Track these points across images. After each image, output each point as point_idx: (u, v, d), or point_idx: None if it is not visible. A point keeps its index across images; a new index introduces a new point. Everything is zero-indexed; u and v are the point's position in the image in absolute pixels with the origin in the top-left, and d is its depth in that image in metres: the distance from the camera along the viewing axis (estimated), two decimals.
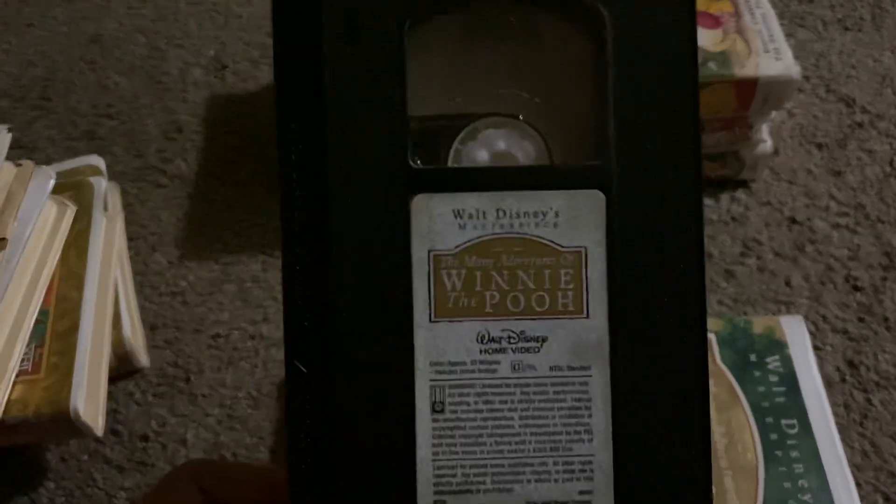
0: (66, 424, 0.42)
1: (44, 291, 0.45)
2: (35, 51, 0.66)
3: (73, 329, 0.44)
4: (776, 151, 0.57)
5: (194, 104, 0.62)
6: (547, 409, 0.23)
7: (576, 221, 0.23)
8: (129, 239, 0.54)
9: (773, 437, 0.41)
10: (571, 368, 0.23)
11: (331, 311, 0.23)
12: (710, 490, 0.23)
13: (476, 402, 0.23)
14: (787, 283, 0.51)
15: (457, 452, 0.23)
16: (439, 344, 0.23)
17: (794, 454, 0.41)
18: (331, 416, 0.23)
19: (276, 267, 0.53)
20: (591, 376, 0.23)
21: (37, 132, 0.61)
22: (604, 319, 0.23)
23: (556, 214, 0.23)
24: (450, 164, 0.25)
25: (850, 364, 0.47)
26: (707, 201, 0.55)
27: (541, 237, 0.24)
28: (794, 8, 0.66)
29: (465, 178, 0.24)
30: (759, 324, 0.46)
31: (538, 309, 0.23)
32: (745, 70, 0.50)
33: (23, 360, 0.43)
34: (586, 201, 0.24)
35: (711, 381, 0.43)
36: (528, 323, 0.23)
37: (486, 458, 0.23)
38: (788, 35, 0.56)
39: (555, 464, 0.23)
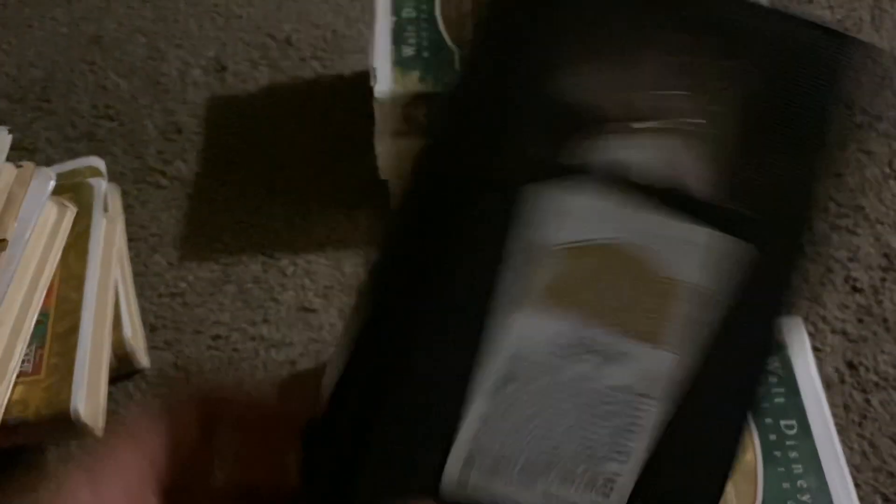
0: (66, 425, 0.42)
1: (44, 292, 0.45)
2: (35, 52, 0.66)
3: (74, 330, 0.44)
4: None
5: (194, 105, 0.62)
6: (597, 423, 0.23)
7: (707, 262, 0.23)
8: (129, 240, 0.54)
9: (772, 437, 0.41)
10: (635, 393, 0.23)
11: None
12: None
13: (534, 397, 0.23)
14: None
15: (498, 437, 0.23)
16: (520, 331, 0.23)
17: (793, 455, 0.41)
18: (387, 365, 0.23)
19: (277, 267, 0.53)
20: (650, 407, 0.23)
21: (36, 133, 0.61)
22: (687, 359, 0.23)
23: (693, 248, 0.23)
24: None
25: (850, 365, 0.47)
26: None
27: (662, 264, 0.23)
28: (793, 8, 0.66)
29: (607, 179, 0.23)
30: None
31: (626, 327, 0.23)
32: None
33: (23, 361, 0.43)
34: (732, 250, 0.23)
35: None
36: (610, 337, 0.23)
37: (522, 451, 0.23)
38: None
39: (583, 473, 0.23)
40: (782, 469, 0.40)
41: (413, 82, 0.50)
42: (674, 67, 0.23)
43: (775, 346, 0.24)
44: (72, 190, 0.50)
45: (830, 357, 0.48)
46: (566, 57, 0.23)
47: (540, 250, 0.23)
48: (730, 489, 0.40)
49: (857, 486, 0.41)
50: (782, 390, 0.43)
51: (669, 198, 0.23)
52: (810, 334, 0.47)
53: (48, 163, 0.53)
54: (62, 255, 0.47)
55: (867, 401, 0.46)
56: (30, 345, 0.44)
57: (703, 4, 0.24)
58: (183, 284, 0.52)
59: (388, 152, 0.52)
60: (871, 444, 0.44)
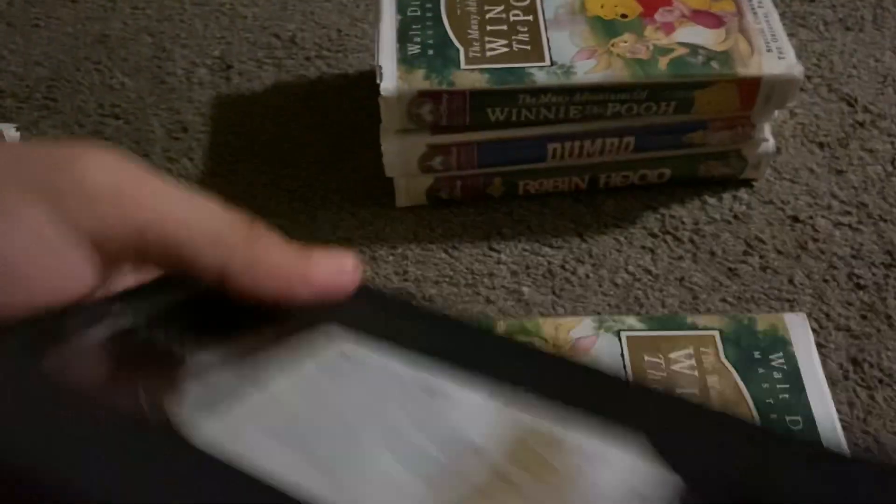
0: None
1: None
2: (41, 51, 0.66)
3: None
4: (778, 150, 0.57)
5: (199, 104, 0.62)
6: None
7: None
8: None
9: None
10: None
11: None
12: None
13: None
14: (790, 281, 0.51)
15: None
16: None
17: None
18: None
19: None
20: None
21: (43, 132, 0.61)
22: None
23: None
24: None
25: (854, 361, 0.48)
26: (709, 200, 0.55)
27: None
28: (795, 8, 0.67)
29: None
30: (762, 321, 0.46)
31: None
32: (748, 69, 0.51)
33: None
34: None
35: (715, 379, 0.44)
36: None
37: None
38: (790, 35, 0.57)
39: None
40: None
41: (418, 80, 0.50)
42: None
43: None
44: None
45: (835, 354, 0.48)
46: None
47: None
48: None
49: None
50: (787, 387, 0.43)
51: None
52: (814, 331, 0.47)
53: None
54: None
55: (872, 397, 0.46)
56: None
57: None
58: None
59: (394, 150, 0.53)
60: (876, 441, 0.45)
